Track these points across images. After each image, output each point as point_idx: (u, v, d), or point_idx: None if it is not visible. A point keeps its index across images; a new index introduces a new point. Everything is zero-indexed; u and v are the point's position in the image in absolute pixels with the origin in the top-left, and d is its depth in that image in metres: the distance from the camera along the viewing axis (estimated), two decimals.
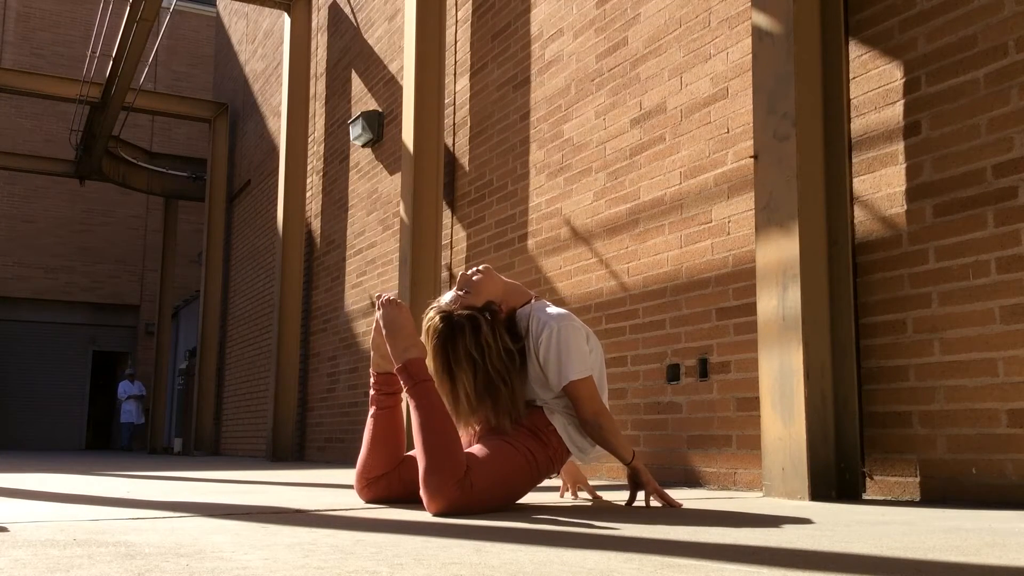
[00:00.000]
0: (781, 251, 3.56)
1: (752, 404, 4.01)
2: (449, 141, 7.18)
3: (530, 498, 3.30)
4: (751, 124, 4.00)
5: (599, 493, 3.42)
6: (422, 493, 2.63)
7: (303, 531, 2.18)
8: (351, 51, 9.60)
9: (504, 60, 6.48)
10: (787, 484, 3.43)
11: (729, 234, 4.30)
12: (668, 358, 4.58)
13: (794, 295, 3.48)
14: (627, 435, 4.79)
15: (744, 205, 4.20)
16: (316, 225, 10.31)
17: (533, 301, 3.07)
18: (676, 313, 4.58)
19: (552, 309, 2.99)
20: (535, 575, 1.48)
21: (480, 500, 2.65)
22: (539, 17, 6.10)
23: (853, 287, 3.60)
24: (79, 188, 18.11)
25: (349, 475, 5.74)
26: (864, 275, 3.62)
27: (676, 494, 3.74)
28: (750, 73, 4.02)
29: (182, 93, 19.99)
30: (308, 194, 10.60)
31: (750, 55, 4.02)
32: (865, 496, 3.49)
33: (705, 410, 4.32)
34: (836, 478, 3.43)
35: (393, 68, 8.42)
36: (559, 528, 2.29)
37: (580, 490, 3.41)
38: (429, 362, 2.85)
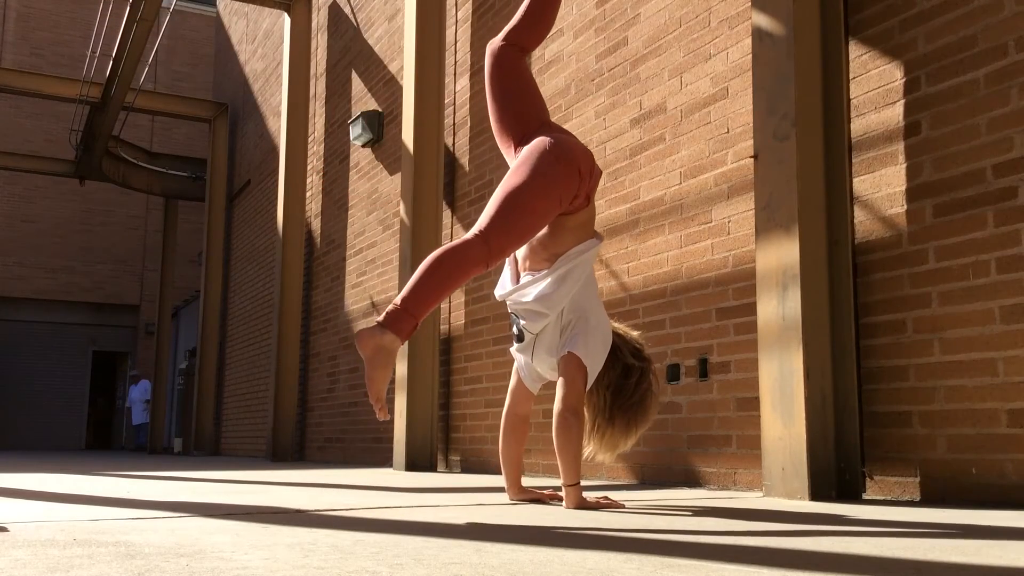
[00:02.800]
0: (781, 251, 3.56)
1: (752, 404, 4.01)
2: (449, 141, 7.18)
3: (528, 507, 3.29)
4: (751, 124, 4.00)
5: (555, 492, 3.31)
6: None
7: (303, 531, 2.18)
8: (351, 51, 9.60)
9: None
10: (787, 484, 3.43)
11: (729, 234, 4.30)
12: (668, 358, 4.58)
13: (794, 295, 3.48)
14: None
15: (744, 205, 4.20)
16: (316, 225, 10.31)
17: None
18: (676, 313, 4.58)
19: (595, 317, 3.03)
20: (535, 575, 1.48)
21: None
22: None
23: (853, 287, 3.60)
24: (79, 188, 18.12)
25: (349, 475, 5.74)
26: (864, 275, 3.62)
27: (676, 494, 3.74)
28: (750, 73, 4.02)
29: (182, 93, 20.02)
30: (308, 194, 10.60)
31: (750, 55, 4.02)
32: (865, 496, 3.49)
33: (705, 410, 4.32)
34: (836, 478, 3.43)
35: (393, 68, 8.42)
36: (559, 528, 2.29)
37: (540, 500, 3.26)
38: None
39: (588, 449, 3.10)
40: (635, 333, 3.22)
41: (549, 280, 2.96)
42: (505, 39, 3.14)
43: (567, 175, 2.88)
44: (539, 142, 2.95)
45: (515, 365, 3.25)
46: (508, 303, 3.10)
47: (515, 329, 3.11)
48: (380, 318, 2.67)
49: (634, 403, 3.06)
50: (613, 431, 3.06)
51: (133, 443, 20.02)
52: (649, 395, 3.10)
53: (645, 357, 3.14)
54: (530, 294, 2.98)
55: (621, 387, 3.05)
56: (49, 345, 22.05)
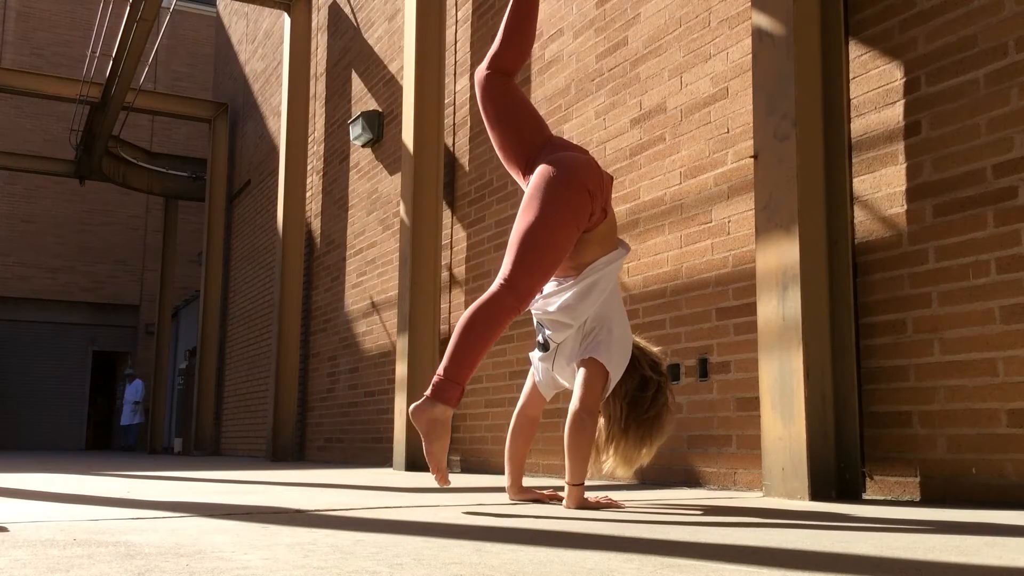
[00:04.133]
0: (781, 251, 3.56)
1: (752, 404, 4.01)
2: (449, 141, 7.18)
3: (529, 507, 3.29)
4: (751, 124, 4.00)
5: (558, 493, 3.31)
6: None
7: (303, 531, 2.18)
8: (351, 51, 9.60)
9: None
10: (787, 484, 3.43)
11: (729, 234, 4.30)
12: (668, 358, 4.58)
13: (794, 295, 3.48)
14: None
15: (744, 205, 4.20)
16: (316, 225, 10.31)
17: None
18: (676, 313, 4.58)
19: (619, 329, 3.04)
20: (535, 575, 1.48)
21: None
22: (539, 17, 6.10)
23: (853, 287, 3.60)
24: (79, 188, 18.14)
25: (349, 475, 5.74)
26: (864, 275, 3.62)
27: (676, 494, 3.74)
28: (750, 73, 4.02)
29: (182, 93, 20.03)
30: (308, 194, 10.60)
31: (750, 55, 4.02)
32: (865, 496, 3.49)
33: (705, 410, 4.33)
34: (836, 478, 3.43)
35: (393, 68, 8.42)
36: (559, 528, 2.29)
37: (541, 500, 3.25)
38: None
39: (606, 463, 3.10)
40: (655, 348, 3.22)
41: (574, 291, 2.97)
42: (488, 67, 3.16)
43: (578, 199, 2.88)
44: (543, 172, 2.94)
45: (531, 369, 3.25)
46: (533, 312, 3.11)
47: (540, 338, 3.11)
48: (428, 392, 2.75)
49: (650, 417, 3.06)
50: (627, 443, 3.06)
51: (120, 443, 20.03)
52: (665, 410, 3.10)
53: (662, 371, 3.14)
54: (554, 304, 2.99)
55: (637, 399, 3.05)
56: (49, 345, 22.05)
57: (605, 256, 3.00)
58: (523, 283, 2.79)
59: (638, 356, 3.10)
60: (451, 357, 2.75)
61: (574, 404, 2.94)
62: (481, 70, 3.17)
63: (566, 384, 3.14)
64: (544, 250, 2.82)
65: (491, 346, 2.82)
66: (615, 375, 2.98)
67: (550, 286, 3.04)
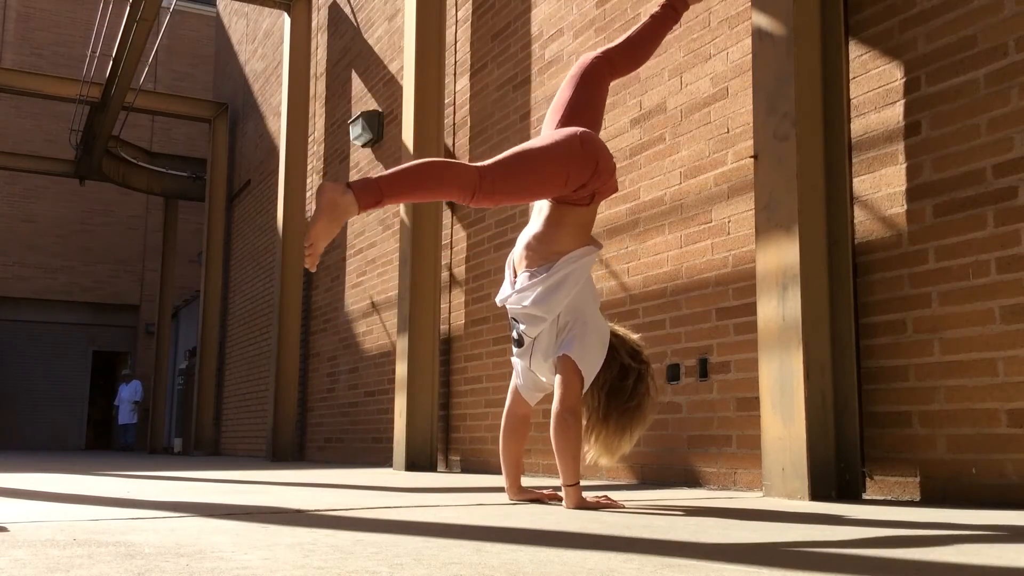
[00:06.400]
0: (781, 251, 3.56)
1: (752, 404, 4.01)
2: (449, 141, 7.17)
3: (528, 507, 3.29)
4: (751, 124, 4.00)
5: (557, 493, 3.31)
6: None
7: (303, 531, 2.18)
8: (351, 51, 9.60)
9: (504, 60, 6.48)
10: (787, 484, 3.43)
11: (729, 234, 4.30)
12: (668, 358, 4.58)
13: (794, 295, 3.48)
14: None
15: (744, 205, 4.20)
16: None
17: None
18: (676, 313, 4.58)
19: (594, 319, 3.05)
20: (535, 575, 1.48)
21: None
22: (539, 17, 6.10)
23: (853, 287, 3.60)
24: (79, 188, 18.12)
25: (349, 475, 5.74)
26: (864, 275, 3.62)
27: (676, 494, 3.74)
28: (750, 73, 4.02)
29: (182, 93, 20.01)
30: (308, 194, 10.60)
31: (750, 55, 4.02)
32: (865, 496, 3.50)
33: (705, 410, 4.32)
34: (836, 478, 3.43)
35: (393, 68, 8.42)
36: (559, 528, 2.29)
37: (541, 501, 3.25)
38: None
39: (588, 453, 3.09)
40: (635, 336, 3.22)
41: (546, 285, 2.97)
42: (602, 54, 3.26)
43: (583, 159, 2.92)
44: (574, 128, 3.02)
45: (513, 373, 3.25)
46: (508, 308, 3.11)
47: (515, 334, 3.11)
48: (351, 181, 2.70)
49: (631, 406, 3.05)
50: (608, 432, 3.06)
51: (118, 443, 20.05)
52: (646, 398, 3.10)
53: (643, 359, 3.13)
54: (528, 298, 2.99)
55: (617, 389, 3.05)
56: (49, 345, 22.04)
57: (578, 250, 3.01)
58: (491, 179, 2.78)
59: (617, 345, 3.09)
60: (395, 173, 2.71)
61: (555, 406, 2.94)
62: (592, 53, 3.29)
63: (545, 380, 3.13)
64: (526, 170, 2.85)
65: (425, 196, 2.82)
66: (591, 369, 2.97)
67: (523, 279, 3.04)
